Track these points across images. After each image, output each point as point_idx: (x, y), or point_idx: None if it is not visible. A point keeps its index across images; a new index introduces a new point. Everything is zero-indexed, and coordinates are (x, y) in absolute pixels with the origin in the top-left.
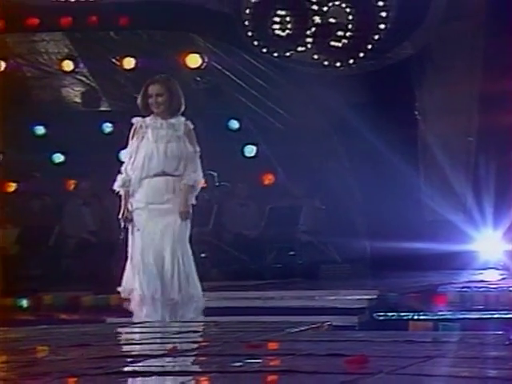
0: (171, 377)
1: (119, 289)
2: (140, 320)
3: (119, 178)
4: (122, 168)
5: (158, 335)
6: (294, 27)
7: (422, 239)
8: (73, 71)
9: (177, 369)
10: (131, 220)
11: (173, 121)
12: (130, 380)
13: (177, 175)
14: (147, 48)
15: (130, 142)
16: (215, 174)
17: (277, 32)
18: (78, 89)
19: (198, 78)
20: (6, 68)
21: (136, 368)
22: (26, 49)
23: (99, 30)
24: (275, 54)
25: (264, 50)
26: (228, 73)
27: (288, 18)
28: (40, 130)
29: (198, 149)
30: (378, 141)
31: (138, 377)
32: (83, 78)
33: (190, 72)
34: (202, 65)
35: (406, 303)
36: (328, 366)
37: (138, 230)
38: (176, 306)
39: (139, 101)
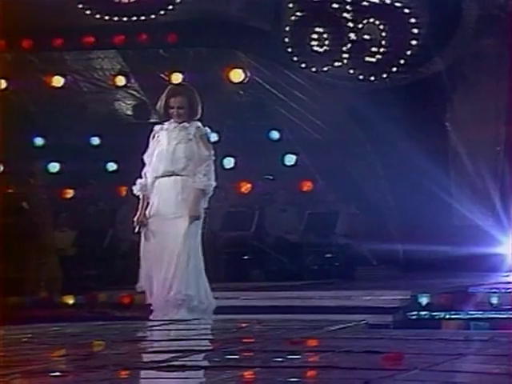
0: (218, 371)
1: (137, 285)
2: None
3: (138, 182)
4: (142, 172)
5: (202, 332)
6: (331, 44)
7: (452, 243)
8: (125, 86)
9: (223, 363)
10: (146, 225)
11: (186, 124)
12: (179, 373)
13: (185, 175)
14: (193, 64)
15: (148, 146)
16: (271, 177)
17: (315, 48)
18: (129, 102)
19: (241, 92)
20: (64, 83)
21: (185, 362)
22: (82, 65)
23: (149, 48)
24: (313, 69)
25: (303, 65)
26: (269, 87)
27: (325, 35)
28: (95, 140)
29: (212, 153)
30: (410, 150)
31: (187, 370)
32: (134, 92)
33: (233, 86)
34: (244, 79)
35: (437, 303)
36: (366, 363)
37: (146, 236)
38: (185, 305)
39: (159, 108)
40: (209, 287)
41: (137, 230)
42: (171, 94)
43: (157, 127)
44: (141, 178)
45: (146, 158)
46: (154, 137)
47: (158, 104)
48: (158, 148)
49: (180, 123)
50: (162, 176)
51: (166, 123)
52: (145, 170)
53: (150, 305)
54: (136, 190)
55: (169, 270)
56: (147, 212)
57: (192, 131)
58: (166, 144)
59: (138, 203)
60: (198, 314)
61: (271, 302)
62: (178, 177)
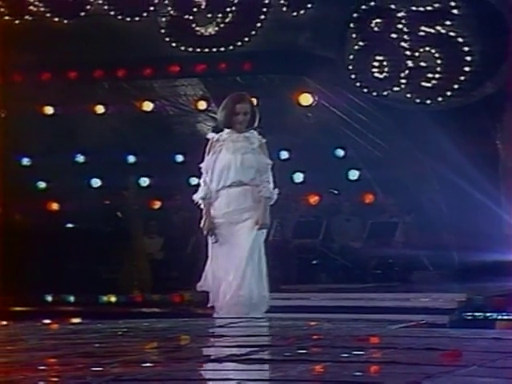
0: (292, 364)
1: (198, 284)
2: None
3: (201, 189)
4: (201, 180)
5: (277, 329)
6: (390, 70)
7: (503, 250)
8: (206, 109)
9: (296, 358)
10: (213, 230)
11: (247, 134)
12: (257, 366)
13: (253, 185)
14: (267, 89)
15: (207, 156)
16: (336, 191)
17: (376, 74)
18: (209, 124)
19: (309, 114)
20: (153, 108)
21: (262, 356)
22: (168, 92)
23: (227, 75)
24: (374, 93)
25: (365, 90)
26: (334, 109)
27: (385, 63)
28: (179, 158)
29: (270, 161)
30: (463, 165)
31: (264, 363)
32: (214, 115)
33: (302, 109)
34: (312, 103)
35: (490, 305)
36: (426, 359)
37: (217, 240)
38: (251, 306)
39: (222, 116)
40: (267, 289)
41: (205, 233)
42: (238, 100)
43: (214, 136)
44: (201, 185)
45: (205, 167)
46: (211, 146)
47: (224, 111)
48: (222, 158)
49: (241, 132)
50: (230, 186)
51: (223, 133)
52: (204, 178)
53: (212, 306)
54: (199, 197)
55: (237, 272)
56: (213, 218)
57: (255, 141)
58: (231, 154)
59: (201, 210)
60: (260, 314)
61: (338, 302)
62: (247, 186)
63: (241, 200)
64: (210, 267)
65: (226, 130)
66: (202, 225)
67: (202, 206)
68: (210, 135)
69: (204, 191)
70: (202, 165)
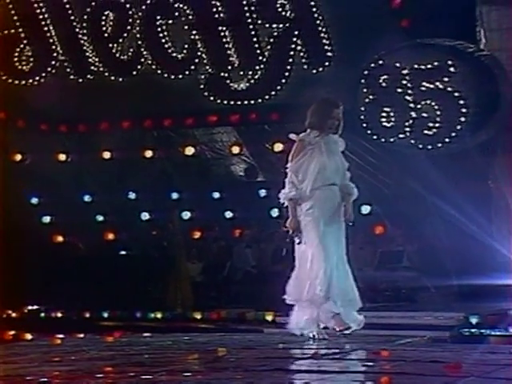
0: (315, 374)
1: (285, 296)
2: (310, 322)
3: (289, 190)
4: (288, 181)
5: (299, 340)
6: (397, 120)
7: (495, 275)
8: (239, 154)
9: (317, 368)
10: (299, 229)
11: (335, 137)
12: (288, 376)
13: (340, 186)
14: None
15: (297, 157)
16: (351, 223)
17: (384, 123)
18: (242, 166)
19: None
20: (194, 152)
21: (292, 366)
22: (207, 138)
23: (257, 124)
24: (383, 140)
25: (375, 137)
26: (348, 153)
27: (392, 113)
28: (216, 195)
29: (347, 164)
30: (460, 202)
31: (293, 373)
32: (246, 159)
33: None
34: None
35: (485, 322)
36: (431, 370)
37: (301, 241)
38: (347, 308)
39: (317, 118)
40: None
41: (291, 232)
42: (335, 105)
43: (304, 138)
44: (290, 186)
45: (295, 168)
46: (302, 148)
47: (319, 114)
48: (318, 159)
49: (330, 136)
50: (326, 186)
51: (311, 135)
52: (293, 179)
53: (292, 305)
54: (288, 196)
55: (325, 272)
56: (302, 219)
57: (342, 145)
58: (326, 156)
59: (287, 210)
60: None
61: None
62: (337, 187)
63: (335, 201)
64: (299, 273)
65: (315, 133)
66: (288, 224)
67: (287, 206)
68: (294, 136)
69: (294, 192)
70: (289, 165)
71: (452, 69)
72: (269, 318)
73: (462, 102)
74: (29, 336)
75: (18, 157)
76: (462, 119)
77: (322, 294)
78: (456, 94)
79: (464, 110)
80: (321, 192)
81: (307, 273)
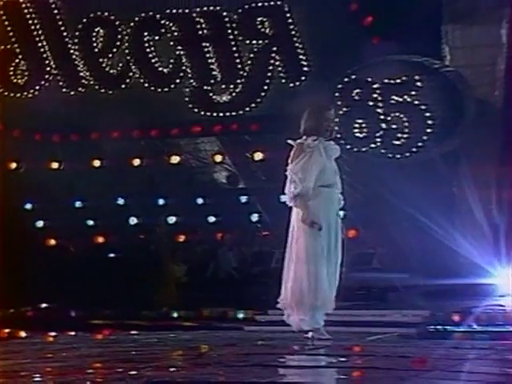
0: (292, 369)
1: (279, 300)
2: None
3: (293, 187)
4: (288, 181)
5: (278, 341)
6: (368, 131)
7: (458, 275)
8: (221, 162)
9: (293, 363)
10: (315, 221)
11: (332, 143)
12: (266, 370)
13: (336, 188)
14: (271, 146)
15: (297, 159)
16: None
17: (356, 134)
18: (224, 174)
19: None
20: (179, 161)
21: (270, 362)
22: (191, 148)
23: (238, 134)
24: (355, 149)
25: (348, 147)
26: None
27: (364, 125)
28: (200, 200)
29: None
30: (426, 207)
31: (271, 368)
32: (228, 167)
33: None
34: None
35: (449, 319)
36: (399, 365)
37: (321, 228)
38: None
39: (313, 122)
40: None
41: (309, 225)
42: (328, 108)
43: (304, 142)
44: (293, 185)
45: (297, 168)
46: (301, 150)
47: (314, 118)
48: (318, 161)
49: (327, 141)
50: (324, 187)
51: (309, 140)
52: (294, 178)
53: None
54: (295, 193)
55: (331, 276)
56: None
57: (338, 148)
58: (325, 158)
59: (290, 211)
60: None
61: (327, 317)
62: (335, 188)
63: (331, 202)
64: (289, 276)
65: (312, 137)
66: (302, 219)
67: (292, 204)
68: (292, 142)
69: (299, 188)
70: (289, 168)
71: (419, 83)
72: (249, 316)
73: (428, 114)
74: (23, 334)
75: (13, 165)
76: (429, 130)
77: (318, 300)
78: (423, 107)
79: (430, 122)
80: (321, 192)
81: (305, 275)
